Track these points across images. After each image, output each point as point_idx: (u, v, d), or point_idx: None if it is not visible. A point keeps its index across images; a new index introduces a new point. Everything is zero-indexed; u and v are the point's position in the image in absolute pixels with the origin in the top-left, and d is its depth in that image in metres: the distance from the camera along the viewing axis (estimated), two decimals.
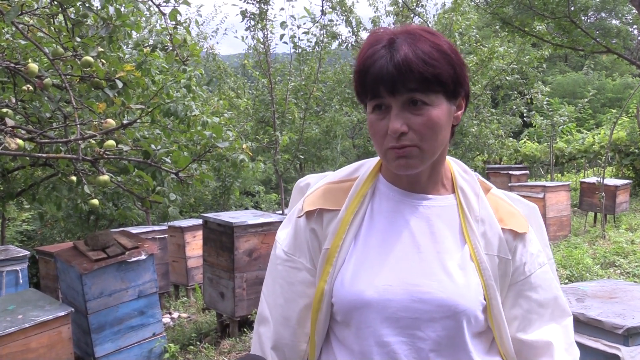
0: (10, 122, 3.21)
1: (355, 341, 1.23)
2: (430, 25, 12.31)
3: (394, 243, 1.23)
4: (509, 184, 11.03)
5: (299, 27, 9.65)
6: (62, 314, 4.27)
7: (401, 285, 1.19)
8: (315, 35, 10.74)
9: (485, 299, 1.21)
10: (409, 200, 1.27)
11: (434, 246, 1.23)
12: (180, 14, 3.95)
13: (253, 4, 9.05)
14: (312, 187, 1.39)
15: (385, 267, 1.21)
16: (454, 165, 1.34)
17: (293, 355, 1.33)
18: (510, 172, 12.87)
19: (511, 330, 1.27)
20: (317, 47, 10.84)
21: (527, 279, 1.27)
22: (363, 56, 1.19)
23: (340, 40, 12.19)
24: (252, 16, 9.14)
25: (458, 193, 1.28)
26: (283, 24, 9.05)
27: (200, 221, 7.43)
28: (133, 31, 4.49)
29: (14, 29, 4.02)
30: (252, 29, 9.40)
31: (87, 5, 3.79)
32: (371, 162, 1.35)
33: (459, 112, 1.23)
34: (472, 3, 12.64)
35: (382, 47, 1.16)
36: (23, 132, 3.62)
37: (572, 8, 10.45)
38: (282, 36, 9.42)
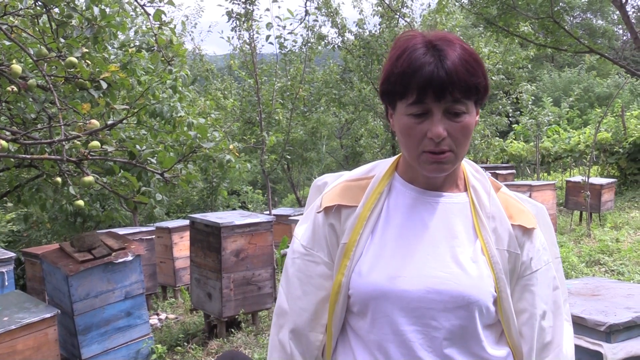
0: None
1: (371, 330, 1.29)
2: (416, 26, 12.32)
3: (410, 237, 1.29)
4: None
5: (284, 27, 9.68)
6: (48, 315, 4.25)
7: (417, 277, 1.25)
8: (302, 36, 10.77)
9: (495, 292, 1.27)
10: (424, 197, 1.33)
11: (448, 241, 1.29)
12: (165, 14, 3.94)
13: (239, 4, 9.07)
14: (330, 185, 1.44)
15: (402, 260, 1.27)
16: (466, 165, 1.40)
17: (310, 345, 1.38)
18: (497, 171, 12.90)
19: (518, 323, 1.31)
20: (303, 47, 10.85)
21: (533, 274, 1.32)
22: (403, 58, 1.22)
23: (326, 41, 12.17)
24: (238, 16, 9.15)
25: (470, 191, 1.34)
26: (268, 25, 9.09)
27: (187, 222, 7.40)
28: (119, 32, 4.48)
29: None
30: (237, 30, 9.41)
31: (71, 5, 3.78)
32: (387, 162, 1.41)
33: (477, 117, 1.29)
34: (457, 4, 12.65)
35: (424, 52, 1.20)
36: (7, 133, 3.60)
37: (556, 8, 10.51)
38: (267, 37, 9.44)
